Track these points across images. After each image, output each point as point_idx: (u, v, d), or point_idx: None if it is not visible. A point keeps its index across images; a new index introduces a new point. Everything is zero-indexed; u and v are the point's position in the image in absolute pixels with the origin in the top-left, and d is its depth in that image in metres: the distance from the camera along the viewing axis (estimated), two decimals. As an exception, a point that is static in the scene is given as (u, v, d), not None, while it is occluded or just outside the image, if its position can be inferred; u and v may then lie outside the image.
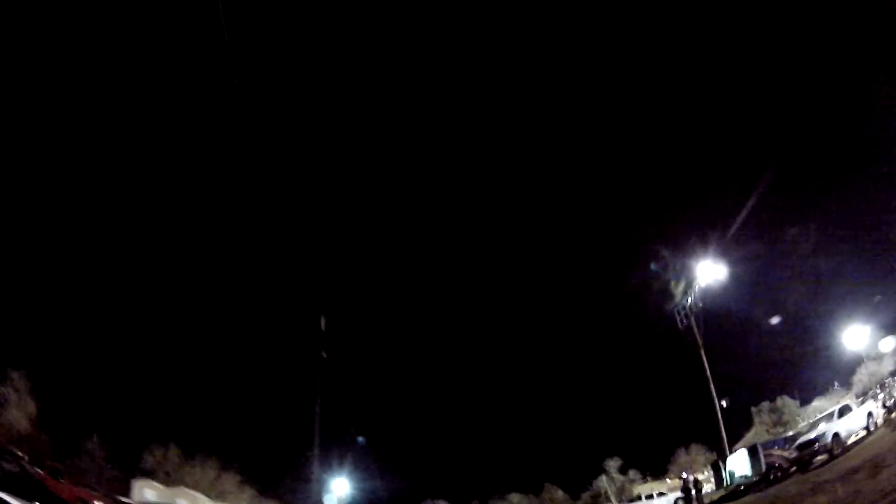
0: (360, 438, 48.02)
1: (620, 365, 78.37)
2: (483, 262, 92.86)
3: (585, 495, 69.11)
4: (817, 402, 55.07)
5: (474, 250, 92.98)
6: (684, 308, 31.70)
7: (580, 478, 70.15)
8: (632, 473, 65.19)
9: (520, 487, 74.01)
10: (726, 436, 63.67)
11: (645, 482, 65.07)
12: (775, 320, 47.95)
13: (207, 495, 35.04)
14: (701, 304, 29.43)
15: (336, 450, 45.27)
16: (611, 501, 65.63)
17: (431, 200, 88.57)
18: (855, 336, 35.29)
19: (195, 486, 35.12)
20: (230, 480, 39.46)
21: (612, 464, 65.75)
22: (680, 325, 32.13)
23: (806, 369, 49.54)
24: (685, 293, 30.70)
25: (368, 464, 51.55)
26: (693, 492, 28.21)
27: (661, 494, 28.93)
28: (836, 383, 51.25)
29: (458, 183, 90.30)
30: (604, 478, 65.83)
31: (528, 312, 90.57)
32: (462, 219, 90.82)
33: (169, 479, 34.69)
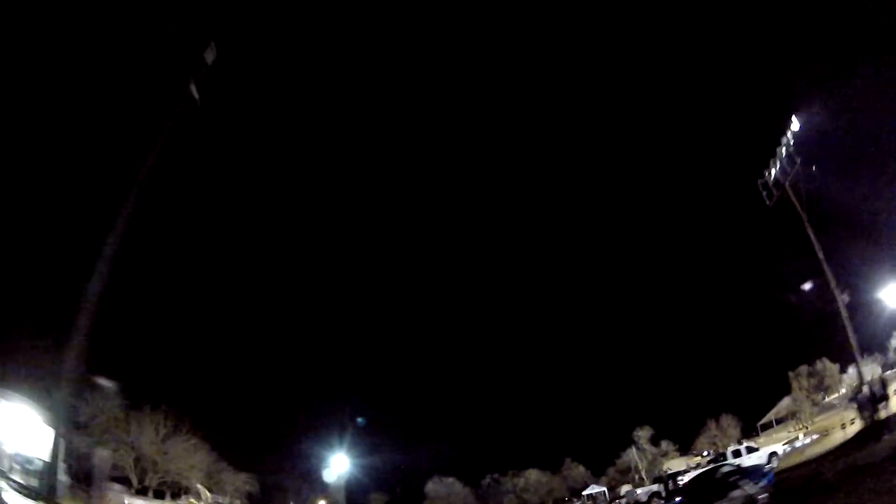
0: (360, 419, 46.53)
1: (646, 328, 79.09)
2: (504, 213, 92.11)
3: (611, 470, 68.65)
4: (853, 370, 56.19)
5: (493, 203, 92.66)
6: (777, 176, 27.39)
7: (605, 452, 70.09)
8: (664, 445, 64.94)
9: (538, 463, 73.71)
10: (758, 405, 63.34)
11: (676, 455, 65.04)
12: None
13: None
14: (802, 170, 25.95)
15: (336, 427, 45.22)
16: (641, 476, 65.18)
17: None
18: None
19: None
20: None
21: (643, 434, 65.46)
22: (767, 202, 28.81)
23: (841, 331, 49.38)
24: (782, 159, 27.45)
25: (372, 441, 51.31)
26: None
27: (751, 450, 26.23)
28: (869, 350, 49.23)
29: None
30: (633, 450, 65.35)
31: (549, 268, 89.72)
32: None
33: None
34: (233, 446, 47.57)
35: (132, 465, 33.30)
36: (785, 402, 57.68)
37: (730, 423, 62.92)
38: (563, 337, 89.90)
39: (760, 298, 62.42)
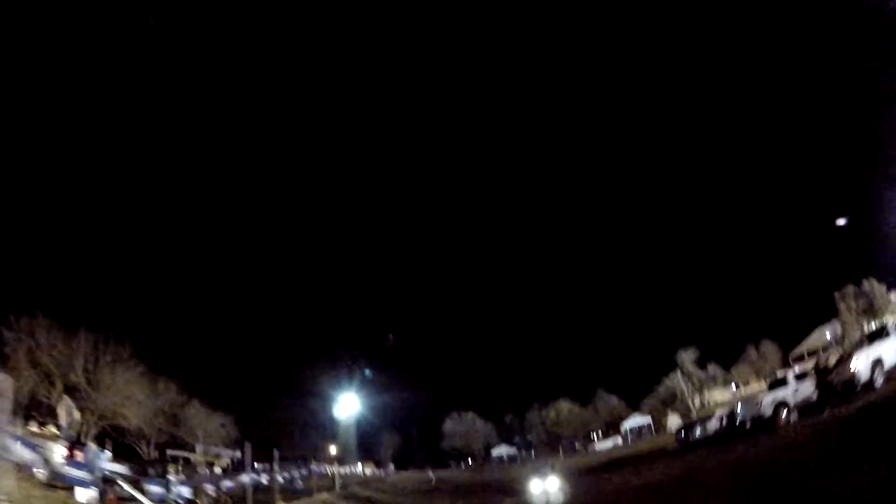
0: (367, 371, 43.21)
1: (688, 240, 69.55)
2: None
3: (650, 401, 60.81)
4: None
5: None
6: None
7: (640, 381, 62.11)
8: (711, 369, 56.73)
9: (569, 393, 66.18)
10: (798, 331, 55.51)
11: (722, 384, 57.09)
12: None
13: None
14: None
15: (345, 365, 42.53)
16: (689, 406, 57.30)
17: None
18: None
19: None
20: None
21: (686, 357, 57.23)
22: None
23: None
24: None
25: (384, 378, 46.74)
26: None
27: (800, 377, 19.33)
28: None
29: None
30: (678, 375, 57.27)
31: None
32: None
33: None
34: (214, 386, 42.00)
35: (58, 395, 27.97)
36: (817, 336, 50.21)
37: (770, 351, 55.12)
38: (584, 252, 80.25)
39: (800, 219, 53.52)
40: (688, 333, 57.91)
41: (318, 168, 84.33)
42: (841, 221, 41.36)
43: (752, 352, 56.30)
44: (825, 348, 52.13)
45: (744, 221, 64.55)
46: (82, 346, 28.30)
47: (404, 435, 63.25)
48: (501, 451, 65.13)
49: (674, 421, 54.09)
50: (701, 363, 57.24)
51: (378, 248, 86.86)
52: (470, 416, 67.59)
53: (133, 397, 29.31)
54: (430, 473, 52.80)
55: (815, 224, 49.98)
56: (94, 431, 28.02)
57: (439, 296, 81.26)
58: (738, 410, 20.86)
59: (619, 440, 54.61)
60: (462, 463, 64.50)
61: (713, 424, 25.22)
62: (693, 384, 56.76)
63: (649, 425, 54.79)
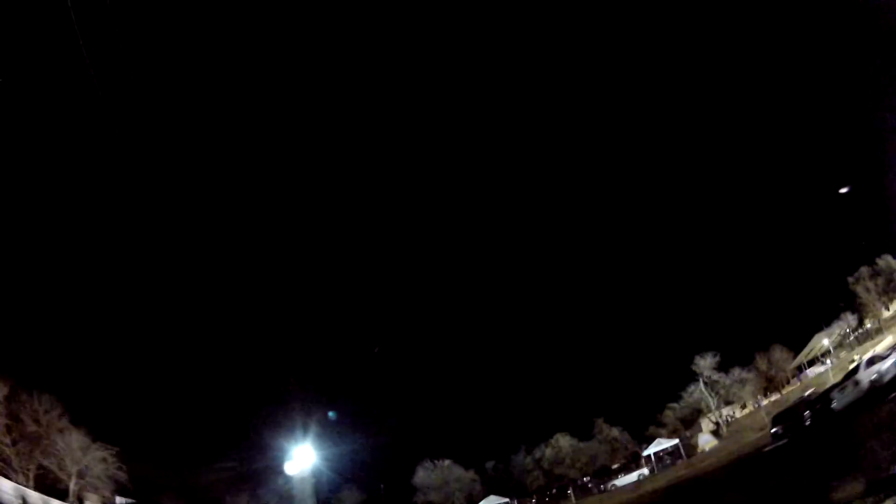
0: (331, 413, 38.72)
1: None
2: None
3: (669, 416, 50.92)
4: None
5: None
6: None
7: (649, 401, 52.22)
8: (738, 372, 48.08)
9: (564, 428, 54.63)
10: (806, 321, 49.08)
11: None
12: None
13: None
14: None
15: (301, 415, 35.01)
16: (715, 421, 48.40)
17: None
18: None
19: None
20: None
21: (705, 363, 48.45)
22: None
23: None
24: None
25: (344, 427, 40.88)
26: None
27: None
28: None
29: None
30: (700, 384, 48.23)
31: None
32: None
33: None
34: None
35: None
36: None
37: (782, 355, 48.32)
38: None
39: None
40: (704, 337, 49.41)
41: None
42: (844, 190, 38.58)
43: (760, 360, 48.86)
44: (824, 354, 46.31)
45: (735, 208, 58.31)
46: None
47: (369, 491, 48.82)
48: (492, 503, 51.64)
49: (705, 439, 44.40)
50: (724, 367, 48.52)
51: (336, 262, 73.25)
52: (446, 464, 54.07)
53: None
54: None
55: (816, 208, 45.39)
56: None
57: (402, 322, 68.15)
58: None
59: (646, 470, 43.63)
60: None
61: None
62: (718, 394, 47.71)
63: (678, 447, 44.30)
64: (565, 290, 63.27)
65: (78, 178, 49.08)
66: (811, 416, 21.83)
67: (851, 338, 43.74)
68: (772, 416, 27.77)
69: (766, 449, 25.46)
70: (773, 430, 26.01)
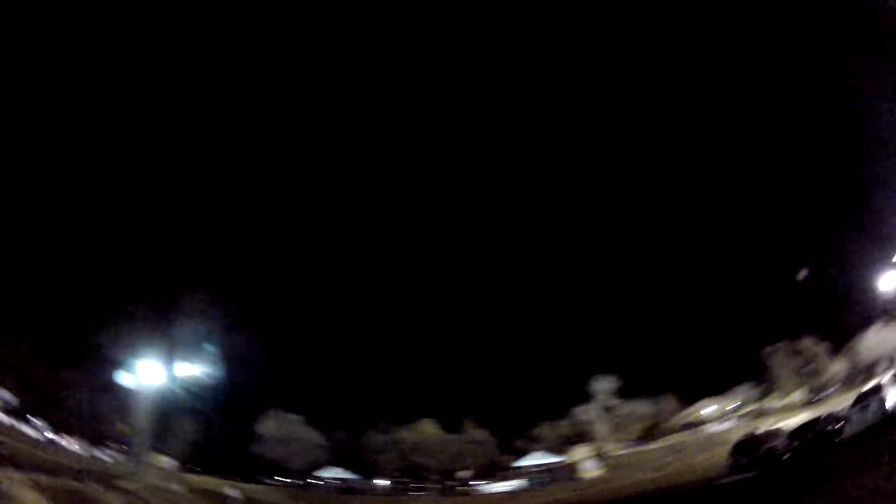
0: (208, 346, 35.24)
1: None
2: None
3: (548, 432, 48.26)
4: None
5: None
6: None
7: (533, 411, 48.50)
8: (635, 405, 46.84)
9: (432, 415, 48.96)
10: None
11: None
12: None
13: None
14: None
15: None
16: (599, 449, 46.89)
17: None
18: None
19: None
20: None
21: (603, 386, 46.41)
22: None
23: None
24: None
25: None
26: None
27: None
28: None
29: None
30: (592, 407, 46.44)
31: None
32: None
33: None
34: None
35: None
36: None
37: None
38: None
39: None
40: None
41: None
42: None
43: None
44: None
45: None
46: None
47: (207, 428, 39.53)
48: (333, 474, 44.84)
49: (588, 465, 42.25)
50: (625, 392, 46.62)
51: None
52: (295, 420, 46.24)
53: None
54: (233, 491, 33.08)
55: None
56: None
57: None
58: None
59: (525, 482, 40.13)
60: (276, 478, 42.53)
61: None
62: (614, 419, 45.90)
63: (563, 465, 41.49)
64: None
65: None
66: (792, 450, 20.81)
67: (746, 410, 43.43)
68: (733, 444, 25.22)
69: (722, 481, 22.81)
70: (732, 460, 23.56)
